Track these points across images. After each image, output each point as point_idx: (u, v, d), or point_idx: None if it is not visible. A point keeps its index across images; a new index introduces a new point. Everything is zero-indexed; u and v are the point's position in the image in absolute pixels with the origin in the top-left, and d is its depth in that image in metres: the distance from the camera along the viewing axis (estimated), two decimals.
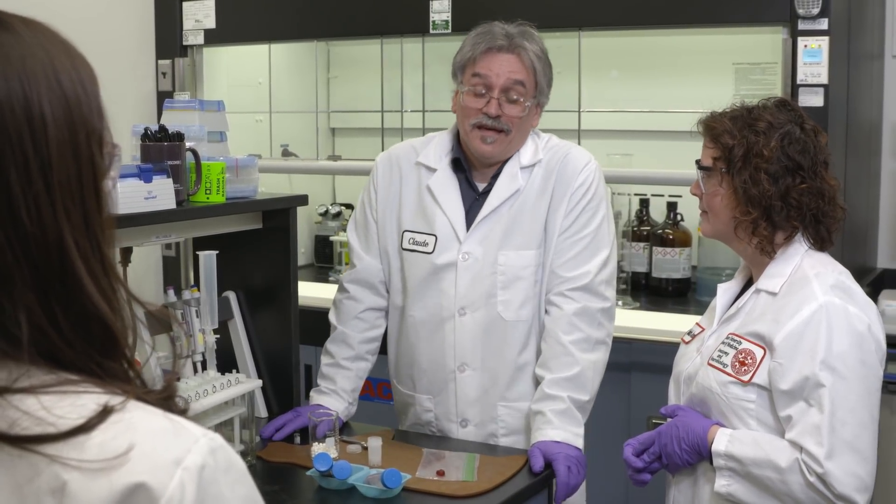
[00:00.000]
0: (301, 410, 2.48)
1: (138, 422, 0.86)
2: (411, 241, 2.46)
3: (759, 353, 1.95)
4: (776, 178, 1.96)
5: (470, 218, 2.44)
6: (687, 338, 2.20)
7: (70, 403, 0.85)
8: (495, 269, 2.40)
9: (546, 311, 2.41)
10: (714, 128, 2.05)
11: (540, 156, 2.42)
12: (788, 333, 1.90)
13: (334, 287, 3.91)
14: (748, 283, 2.12)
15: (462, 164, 2.46)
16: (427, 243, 2.44)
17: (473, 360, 2.43)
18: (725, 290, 2.15)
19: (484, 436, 2.45)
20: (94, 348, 0.89)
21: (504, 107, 2.34)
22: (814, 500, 1.86)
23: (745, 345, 1.97)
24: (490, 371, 2.43)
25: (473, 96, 2.35)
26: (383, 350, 2.62)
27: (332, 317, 2.62)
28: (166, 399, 0.91)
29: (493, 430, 2.45)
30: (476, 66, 2.33)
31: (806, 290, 1.93)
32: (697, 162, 2.09)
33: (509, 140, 2.39)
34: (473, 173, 2.47)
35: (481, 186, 2.46)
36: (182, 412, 0.90)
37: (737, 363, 1.97)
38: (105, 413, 0.85)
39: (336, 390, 2.54)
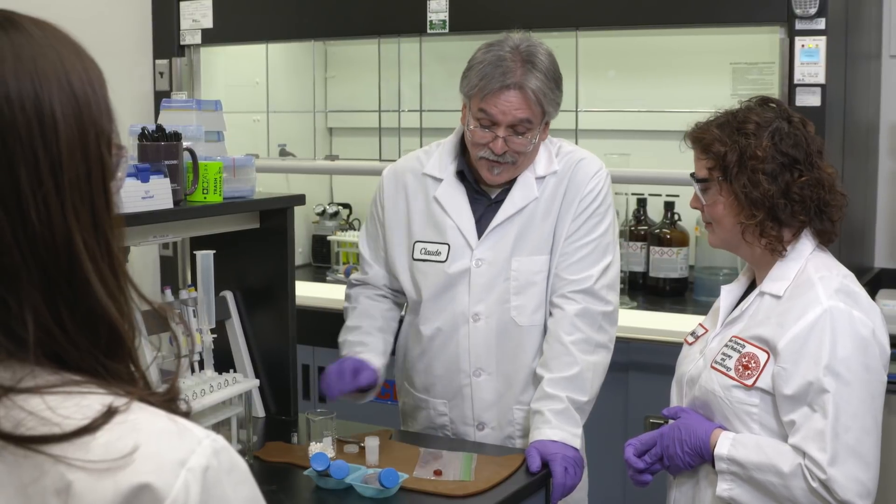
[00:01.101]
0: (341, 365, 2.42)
1: (143, 423, 0.86)
2: (423, 251, 2.46)
3: (762, 357, 1.94)
4: (775, 177, 1.95)
5: (482, 225, 2.43)
6: (690, 339, 2.19)
7: (75, 404, 0.85)
8: (508, 275, 2.40)
9: (549, 313, 2.41)
10: (702, 138, 2.03)
11: (555, 167, 2.42)
12: (793, 338, 1.89)
13: (332, 287, 3.95)
14: (752, 285, 2.11)
15: (466, 175, 2.46)
16: (440, 252, 2.43)
17: (489, 365, 2.43)
18: (729, 292, 2.13)
19: (501, 438, 2.45)
20: (99, 349, 0.89)
21: (510, 141, 2.32)
22: None
23: (749, 348, 1.96)
24: (505, 376, 2.43)
25: (480, 128, 2.35)
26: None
27: (346, 305, 2.60)
28: (169, 401, 0.91)
29: (510, 432, 2.45)
30: (482, 102, 2.31)
31: (810, 294, 1.92)
32: (692, 175, 2.07)
33: (516, 168, 2.39)
34: (482, 183, 2.46)
35: (493, 193, 2.46)
36: (185, 414, 0.90)
37: (740, 367, 1.96)
38: (109, 414, 0.85)
39: (369, 349, 2.48)
